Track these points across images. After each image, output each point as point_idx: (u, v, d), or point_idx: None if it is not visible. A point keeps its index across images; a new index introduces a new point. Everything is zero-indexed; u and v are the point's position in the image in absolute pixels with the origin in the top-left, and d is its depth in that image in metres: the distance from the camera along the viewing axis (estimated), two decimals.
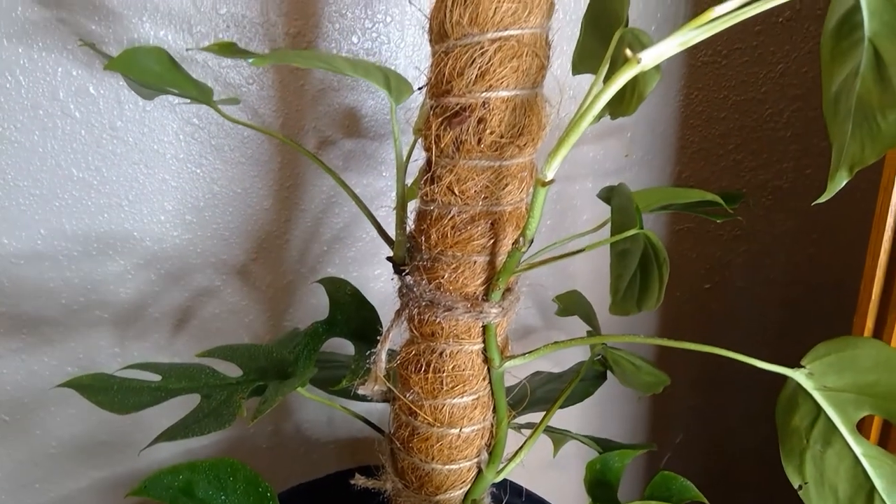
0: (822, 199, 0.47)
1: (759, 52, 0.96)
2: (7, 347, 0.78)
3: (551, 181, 0.44)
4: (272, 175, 0.81)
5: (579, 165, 0.95)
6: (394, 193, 0.87)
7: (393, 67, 0.81)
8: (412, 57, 0.82)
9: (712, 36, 0.95)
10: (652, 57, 0.41)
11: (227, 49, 0.45)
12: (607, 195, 0.70)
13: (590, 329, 0.75)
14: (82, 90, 0.72)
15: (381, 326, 0.64)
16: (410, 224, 0.55)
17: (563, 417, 0.70)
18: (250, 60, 0.42)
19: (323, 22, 0.77)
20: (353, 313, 0.63)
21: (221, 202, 0.80)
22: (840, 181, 0.46)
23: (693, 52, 0.93)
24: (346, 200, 0.85)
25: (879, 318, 0.56)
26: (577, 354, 1.01)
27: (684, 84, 0.95)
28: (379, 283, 0.90)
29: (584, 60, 0.54)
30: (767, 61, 0.97)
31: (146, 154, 0.75)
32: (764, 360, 0.47)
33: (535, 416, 0.68)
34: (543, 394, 0.75)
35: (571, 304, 0.77)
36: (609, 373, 0.74)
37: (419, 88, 0.53)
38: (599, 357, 0.74)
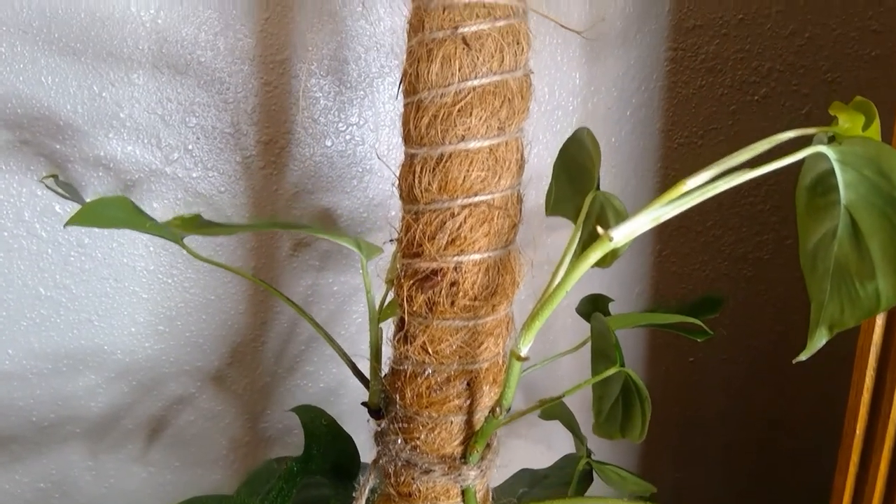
0: (801, 358, 0.46)
1: (735, 131, 0.96)
2: None
3: (527, 357, 0.43)
4: (246, 280, 0.79)
5: (559, 250, 0.94)
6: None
7: (367, 167, 0.80)
8: (386, 156, 0.80)
9: (688, 117, 0.95)
10: (623, 234, 0.41)
11: (191, 225, 0.44)
12: (586, 310, 0.69)
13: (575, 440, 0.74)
14: (48, 210, 0.70)
15: (359, 458, 0.63)
16: (386, 366, 0.54)
17: None
18: (221, 235, 0.41)
19: (295, 128, 0.76)
20: (329, 446, 0.61)
21: (195, 310, 0.78)
22: (820, 340, 0.45)
23: (670, 135, 0.93)
24: (325, 298, 0.84)
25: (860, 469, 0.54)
26: (563, 439, 1.00)
27: (661, 165, 0.95)
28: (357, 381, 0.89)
29: (557, 204, 0.53)
30: (743, 139, 0.97)
31: (116, 268, 0.74)
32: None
33: None
34: (532, 498, 0.74)
35: (554, 411, 0.75)
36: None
37: (391, 241, 0.51)
38: (587, 465, 0.73)
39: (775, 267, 1.06)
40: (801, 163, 0.47)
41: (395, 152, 0.81)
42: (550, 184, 0.54)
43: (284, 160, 0.76)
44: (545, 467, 0.79)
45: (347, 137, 0.78)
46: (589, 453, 0.74)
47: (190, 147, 0.73)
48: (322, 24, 0.73)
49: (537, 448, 0.99)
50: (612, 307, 0.69)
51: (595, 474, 0.75)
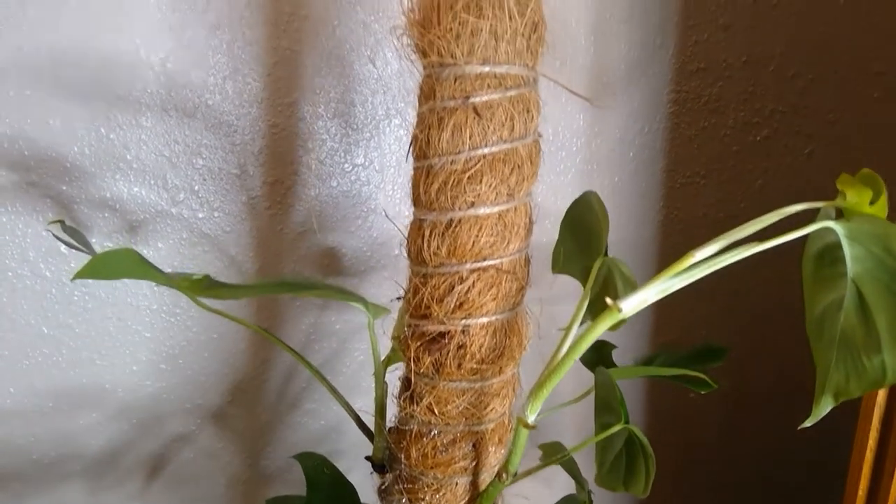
0: (806, 424, 0.46)
1: (738, 171, 0.97)
2: None
3: (534, 426, 0.43)
4: (249, 318, 0.79)
5: (562, 286, 0.94)
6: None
7: (373, 206, 0.80)
8: (392, 196, 0.81)
9: (690, 158, 0.95)
10: (632, 306, 0.41)
11: (197, 287, 0.44)
12: (590, 359, 0.69)
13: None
14: (53, 250, 0.70)
15: None
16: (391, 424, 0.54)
17: None
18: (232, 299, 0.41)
19: (301, 169, 0.76)
20: (331, 495, 0.61)
21: (196, 348, 0.78)
22: (825, 407, 0.46)
23: (672, 175, 0.93)
24: (327, 337, 0.84)
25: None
26: (563, 477, 1.00)
27: (664, 204, 0.95)
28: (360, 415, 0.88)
29: (566, 264, 0.54)
30: (745, 179, 0.97)
31: (119, 307, 0.74)
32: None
33: None
34: None
35: (554, 454, 0.75)
36: None
37: (397, 299, 0.52)
38: None
39: (776, 309, 1.06)
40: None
41: (400, 192, 0.81)
42: (558, 243, 0.54)
43: (290, 200, 0.77)
44: None
45: (353, 178, 0.78)
46: (590, 496, 0.74)
47: (196, 188, 0.73)
48: (330, 68, 0.73)
49: (537, 486, 0.99)
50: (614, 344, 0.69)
51: None
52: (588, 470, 0.68)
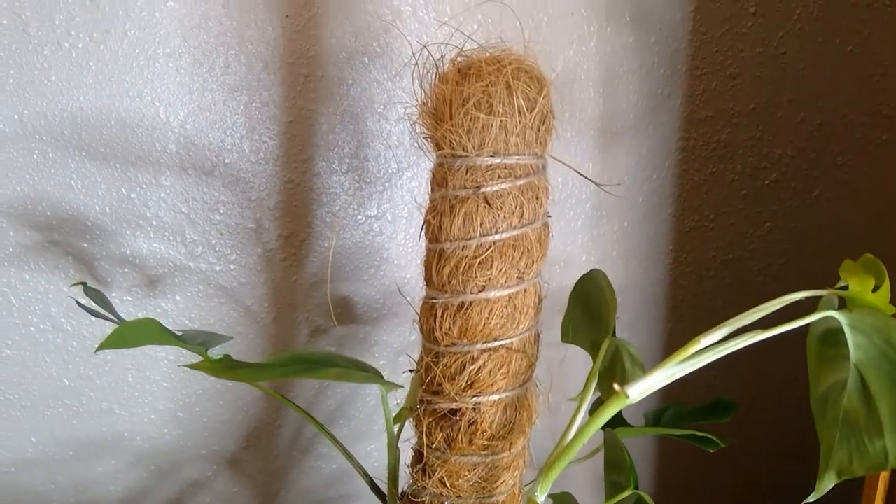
0: (811, 500, 0.47)
1: (746, 214, 0.98)
2: None
3: None
4: None
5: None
6: (386, 372, 0.87)
7: (385, 256, 0.82)
8: (403, 245, 0.82)
9: (699, 202, 0.96)
10: (639, 391, 0.42)
11: (217, 368, 0.46)
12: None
13: None
14: (73, 305, 0.72)
15: None
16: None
17: None
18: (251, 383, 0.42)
19: (315, 222, 0.77)
20: None
21: (212, 396, 0.80)
22: (829, 483, 0.46)
23: (681, 219, 0.94)
24: (339, 384, 0.85)
25: None
26: None
27: (673, 248, 0.96)
28: (372, 459, 0.90)
29: (575, 336, 0.55)
30: (754, 221, 0.98)
31: (137, 359, 0.75)
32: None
33: None
34: None
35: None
36: None
37: (410, 371, 0.53)
38: None
39: (786, 344, 1.07)
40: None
41: (411, 242, 0.83)
42: (566, 316, 0.55)
43: (304, 252, 0.78)
44: None
45: (366, 229, 0.80)
46: None
47: (213, 242, 0.75)
48: (344, 125, 0.75)
49: None
50: None
51: None
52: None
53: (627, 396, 0.42)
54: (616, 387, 0.42)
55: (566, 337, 0.57)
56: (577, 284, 0.55)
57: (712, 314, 1.02)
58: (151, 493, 0.80)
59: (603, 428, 0.62)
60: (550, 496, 0.77)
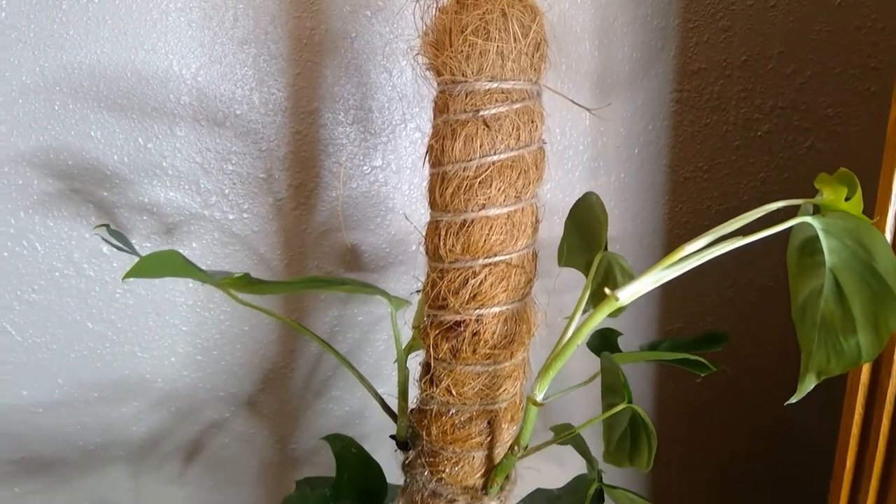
0: (793, 400, 0.51)
1: (739, 165, 1.01)
2: (27, 489, 0.81)
3: (543, 404, 0.48)
4: (277, 310, 0.84)
5: (569, 279, 0.99)
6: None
7: (390, 206, 0.85)
8: (408, 195, 0.86)
9: (693, 153, 0.99)
10: (628, 295, 0.46)
11: (241, 283, 0.49)
12: (596, 345, 0.74)
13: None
14: (96, 251, 0.75)
15: (386, 484, 0.68)
16: (413, 404, 0.59)
17: None
18: (267, 293, 0.46)
19: (323, 172, 0.81)
20: (359, 473, 0.66)
21: (230, 340, 0.83)
22: (809, 384, 0.50)
23: (676, 170, 0.98)
24: (350, 327, 0.89)
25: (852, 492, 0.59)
26: (575, 458, 1.05)
27: (669, 199, 1.00)
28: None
29: (570, 258, 0.58)
30: (748, 172, 1.01)
31: (158, 304, 0.79)
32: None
33: None
34: None
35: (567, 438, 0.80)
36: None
37: (416, 292, 0.56)
38: (598, 490, 0.77)
39: (779, 294, 1.10)
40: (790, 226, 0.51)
41: (416, 192, 0.86)
42: (563, 240, 0.59)
43: (313, 202, 0.82)
44: (558, 487, 0.84)
45: (371, 179, 0.83)
46: (600, 476, 0.79)
47: (226, 192, 0.78)
48: (349, 78, 0.78)
49: (550, 467, 1.04)
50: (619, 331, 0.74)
51: (606, 495, 0.79)
52: (597, 449, 0.73)
53: (617, 299, 0.45)
54: (607, 290, 0.45)
55: (562, 260, 0.60)
56: (571, 209, 0.58)
57: (705, 263, 1.05)
58: (173, 434, 0.85)
59: (600, 354, 0.66)
60: (553, 428, 0.81)
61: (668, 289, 1.04)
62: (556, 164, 0.90)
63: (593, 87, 0.89)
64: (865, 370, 0.58)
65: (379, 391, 0.95)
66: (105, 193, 0.74)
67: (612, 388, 0.61)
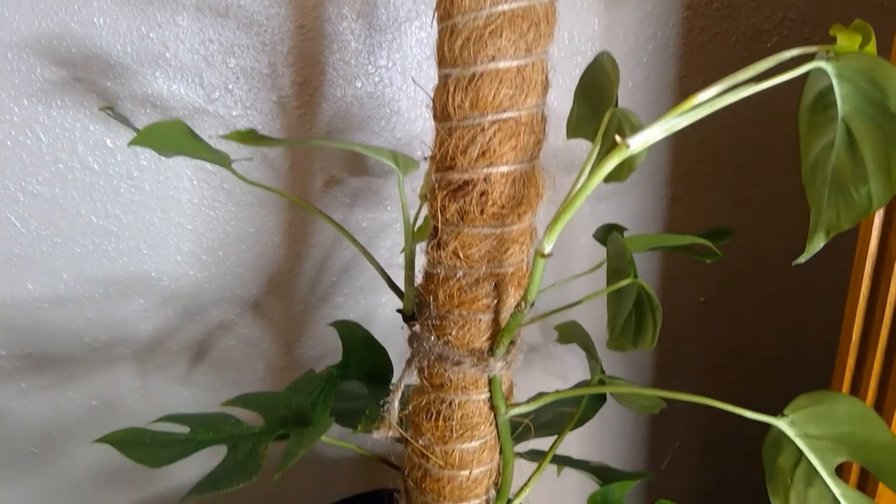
0: (801, 260, 0.51)
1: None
2: (34, 385, 0.82)
3: (550, 254, 0.47)
4: (282, 213, 0.84)
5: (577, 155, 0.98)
6: (398, 225, 0.90)
7: (395, 108, 0.85)
8: (414, 98, 0.85)
9: (702, 64, 0.99)
10: (639, 142, 0.45)
11: (247, 137, 0.49)
12: (603, 237, 0.74)
13: (589, 357, 0.79)
14: (100, 143, 0.75)
15: (392, 367, 0.68)
16: (419, 278, 0.59)
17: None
18: (270, 146, 0.46)
19: (328, 70, 0.80)
20: (365, 355, 0.67)
21: (234, 241, 0.83)
22: (818, 243, 0.50)
23: (684, 81, 0.97)
24: (355, 233, 0.88)
25: (856, 373, 0.59)
26: (578, 371, 1.05)
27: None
28: (386, 310, 0.94)
29: (578, 127, 0.58)
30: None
31: (162, 200, 0.79)
32: (751, 400, 0.51)
33: (537, 442, 0.72)
34: (546, 419, 0.79)
35: (570, 333, 0.80)
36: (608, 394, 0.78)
37: (424, 158, 0.56)
38: (599, 383, 0.78)
39: (786, 209, 1.10)
40: (804, 84, 0.51)
41: (421, 94, 0.85)
42: (572, 108, 0.58)
43: (318, 101, 0.81)
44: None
45: (377, 79, 0.82)
46: (603, 372, 0.79)
47: (230, 87, 0.77)
48: None
49: (553, 380, 1.05)
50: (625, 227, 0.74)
51: (609, 395, 0.80)
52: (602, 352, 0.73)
53: (628, 146, 0.45)
54: (617, 138, 0.45)
55: (570, 132, 0.60)
56: (582, 75, 0.58)
57: (712, 178, 1.05)
58: (178, 333, 0.85)
59: (606, 239, 0.66)
60: (557, 327, 0.82)
61: (672, 204, 1.04)
62: (564, 71, 0.89)
63: None
64: (872, 243, 0.58)
65: (382, 300, 0.95)
66: (108, 84, 0.73)
67: (618, 270, 0.61)
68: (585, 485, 0.70)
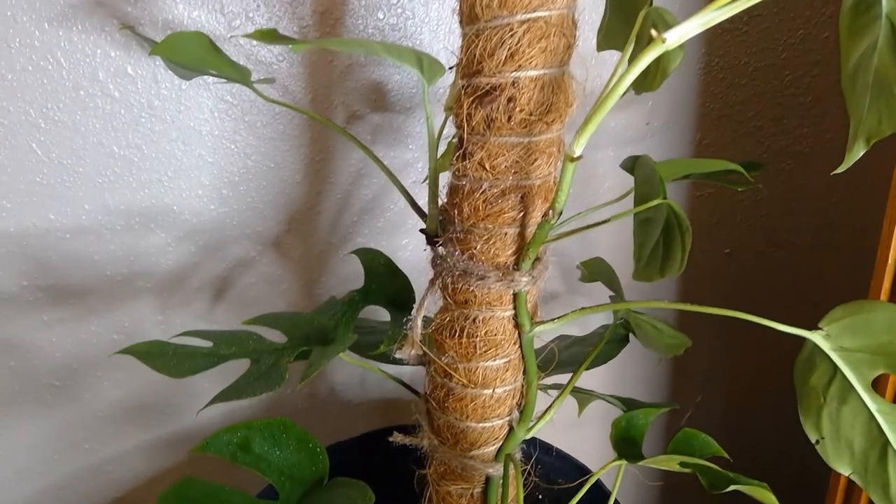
0: (840, 170, 0.49)
1: (780, 19, 0.97)
2: (56, 317, 0.82)
3: (580, 157, 0.46)
4: (303, 149, 0.83)
5: (601, 134, 0.97)
6: (420, 164, 0.89)
7: (418, 42, 0.83)
8: (436, 31, 0.83)
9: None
10: (676, 36, 0.43)
11: (269, 36, 0.48)
12: (630, 165, 0.72)
13: (613, 294, 0.77)
14: (121, 71, 0.74)
15: (414, 294, 0.67)
16: (442, 198, 0.58)
17: (587, 378, 0.73)
18: (290, 47, 0.45)
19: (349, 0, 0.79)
20: (386, 282, 0.66)
21: (255, 176, 0.83)
22: (857, 152, 0.48)
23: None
24: (375, 172, 0.88)
25: (895, 281, 0.58)
26: (600, 318, 1.04)
27: (705, 52, 0.96)
28: (406, 252, 0.93)
29: (609, 38, 0.56)
30: (787, 27, 0.98)
31: (183, 131, 0.78)
32: (783, 322, 0.49)
33: (561, 378, 0.72)
34: (569, 356, 0.78)
35: (595, 270, 0.79)
36: (631, 335, 0.77)
37: (450, 68, 0.55)
38: (622, 321, 0.77)
39: (814, 161, 1.08)
40: None
41: (444, 26, 0.84)
42: (603, 16, 0.57)
43: (339, 31, 0.80)
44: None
45: (399, 10, 0.81)
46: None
47: (251, 14, 0.76)
48: None
49: (573, 330, 1.04)
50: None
51: (631, 336, 0.78)
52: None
53: (664, 40, 0.43)
54: (653, 32, 0.43)
55: (601, 46, 0.58)
56: None
57: (741, 125, 1.02)
58: (200, 269, 0.85)
59: (633, 169, 0.64)
60: (582, 264, 0.80)
61: (699, 150, 1.02)
62: (586, 18, 0.87)
63: None
64: None
65: (402, 241, 0.94)
66: (129, 9, 0.73)
67: (648, 195, 0.59)
68: (607, 414, 0.69)
